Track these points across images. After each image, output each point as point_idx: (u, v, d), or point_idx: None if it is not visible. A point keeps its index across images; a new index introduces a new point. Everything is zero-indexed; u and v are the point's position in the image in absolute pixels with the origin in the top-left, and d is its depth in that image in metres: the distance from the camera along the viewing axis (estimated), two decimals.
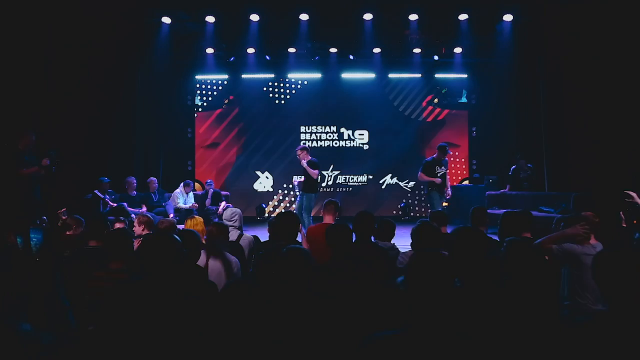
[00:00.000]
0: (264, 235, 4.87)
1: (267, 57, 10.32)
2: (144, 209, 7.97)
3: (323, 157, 10.87)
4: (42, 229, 3.97)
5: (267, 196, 11.04)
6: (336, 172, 11.07)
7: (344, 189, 11.07)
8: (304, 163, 7.26)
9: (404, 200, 10.88)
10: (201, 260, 3.36)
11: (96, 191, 7.77)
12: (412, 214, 10.66)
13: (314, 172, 7.18)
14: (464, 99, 11.04)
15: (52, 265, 2.28)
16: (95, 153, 8.42)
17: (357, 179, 11.10)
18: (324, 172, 10.92)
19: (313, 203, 7.30)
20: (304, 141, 10.98)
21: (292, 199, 10.95)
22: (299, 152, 7.34)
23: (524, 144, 9.71)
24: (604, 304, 2.99)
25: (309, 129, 11.16)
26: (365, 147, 11.06)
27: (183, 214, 8.13)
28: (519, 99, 9.87)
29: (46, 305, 2.07)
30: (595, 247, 3.47)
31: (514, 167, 8.73)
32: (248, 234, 4.61)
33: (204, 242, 4.22)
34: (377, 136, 11.03)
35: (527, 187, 8.70)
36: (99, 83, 8.19)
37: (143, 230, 4.28)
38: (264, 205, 10.76)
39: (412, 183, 11.03)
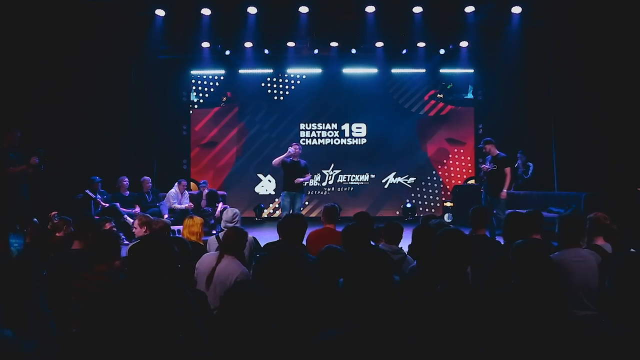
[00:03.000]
0: (263, 236, 4.83)
1: (266, 52, 10.27)
2: (138, 209, 7.92)
3: (323, 155, 10.93)
4: (23, 233, 3.91)
5: (268, 199, 11.02)
6: (337, 171, 11.02)
7: (346, 189, 11.03)
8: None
9: (409, 200, 10.81)
10: (209, 265, 3.29)
11: (87, 191, 7.73)
12: (416, 214, 10.61)
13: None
14: (470, 95, 11.01)
15: (32, 271, 2.23)
16: (86, 151, 8.37)
17: (359, 178, 11.05)
18: (324, 171, 10.91)
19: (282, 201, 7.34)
20: (304, 139, 10.97)
21: None
22: (297, 148, 7.31)
23: (533, 142, 9.68)
24: (590, 309, 2.95)
25: (308, 127, 11.11)
26: (363, 140, 11.01)
27: (178, 215, 8.10)
28: (527, 94, 9.82)
29: (26, 313, 2.02)
30: (604, 247, 3.41)
31: (519, 161, 8.69)
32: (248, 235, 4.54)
33: (201, 243, 4.23)
34: (375, 130, 11.00)
35: (521, 184, 8.65)
36: (90, 78, 8.14)
37: (145, 231, 4.21)
38: (262, 206, 10.70)
39: (412, 179, 10.99)
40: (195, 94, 11.04)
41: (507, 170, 6.83)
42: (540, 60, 9.30)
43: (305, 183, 7.44)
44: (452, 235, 2.27)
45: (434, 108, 11.08)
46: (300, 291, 2.17)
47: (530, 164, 8.69)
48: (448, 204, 10.04)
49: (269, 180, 10.96)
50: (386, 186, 11.02)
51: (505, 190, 6.76)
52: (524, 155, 8.69)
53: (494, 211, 6.75)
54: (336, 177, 11.06)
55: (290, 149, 7.15)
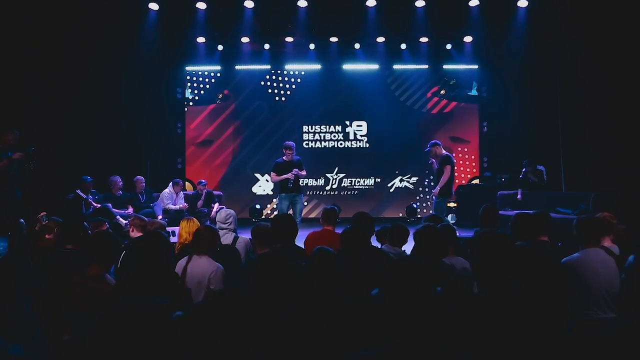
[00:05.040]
0: None
1: (266, 47, 10.26)
2: (130, 210, 7.90)
3: (327, 158, 10.95)
4: (7, 236, 3.91)
5: (266, 200, 11.02)
6: (341, 175, 11.02)
7: (350, 193, 11.04)
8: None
9: (414, 202, 10.81)
10: (180, 265, 3.35)
11: (78, 191, 7.68)
12: (418, 215, 10.61)
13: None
14: (474, 92, 11.00)
15: (16, 275, 2.22)
16: (77, 149, 8.35)
17: (364, 182, 11.05)
18: (328, 175, 10.96)
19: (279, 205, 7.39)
20: (307, 141, 11.03)
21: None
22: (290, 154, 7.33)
23: (539, 139, 9.66)
24: (612, 311, 2.96)
25: (312, 129, 11.11)
26: (366, 143, 11.02)
27: (172, 216, 8.07)
28: (534, 90, 9.80)
29: (11, 318, 2.01)
30: (612, 249, 3.44)
31: (524, 170, 8.66)
32: (243, 236, 4.58)
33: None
34: (376, 129, 11.00)
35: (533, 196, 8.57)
36: (81, 74, 8.12)
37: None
38: (258, 206, 10.69)
39: (414, 178, 10.99)
40: (190, 90, 11.03)
41: (446, 168, 7.17)
42: (547, 55, 9.27)
43: (303, 181, 7.43)
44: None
45: (437, 105, 11.08)
46: (295, 294, 2.15)
47: (542, 168, 8.61)
48: (451, 204, 9.94)
49: (267, 180, 10.95)
50: (392, 190, 11.03)
51: (438, 187, 7.15)
52: (530, 165, 8.60)
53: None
54: (340, 181, 11.05)
55: (290, 175, 7.11)
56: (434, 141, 7.62)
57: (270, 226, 3.86)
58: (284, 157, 7.31)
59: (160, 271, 2.71)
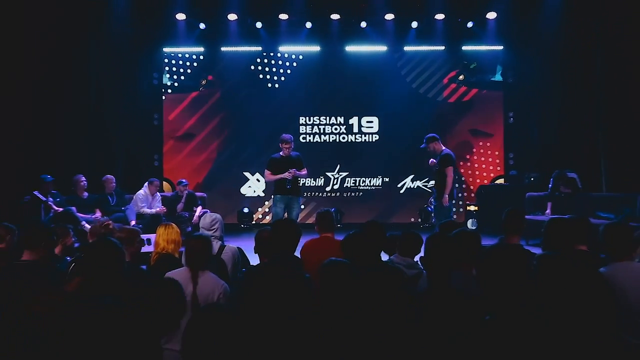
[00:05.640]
0: (250, 247, 4.82)
1: (257, 25, 10.21)
2: (98, 214, 7.86)
3: (327, 154, 10.95)
4: None
5: (257, 202, 11.00)
6: (344, 174, 10.99)
7: (353, 194, 11.02)
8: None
9: (430, 206, 10.74)
10: (184, 286, 3.28)
11: (36, 192, 7.67)
12: (433, 220, 10.54)
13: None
14: (498, 77, 10.96)
15: None
16: (36, 144, 8.31)
17: (370, 181, 11.02)
18: (329, 174, 10.96)
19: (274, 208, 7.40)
20: (304, 135, 11.02)
21: None
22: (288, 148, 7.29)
23: (575, 132, 9.63)
24: None
25: (309, 120, 11.07)
26: (375, 136, 10.99)
27: (148, 221, 8.05)
28: (568, 76, 9.75)
29: None
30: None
31: (552, 179, 8.62)
32: (231, 244, 4.60)
33: (176, 255, 4.20)
34: (383, 119, 10.99)
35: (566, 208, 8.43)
36: (41, 59, 8.08)
37: None
38: (246, 210, 10.63)
39: (432, 182, 10.93)
40: (168, 76, 10.98)
41: (448, 170, 7.01)
42: (586, 33, 9.22)
43: (302, 181, 7.39)
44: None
45: (455, 93, 11.04)
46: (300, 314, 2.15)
47: (574, 175, 8.52)
48: (472, 207, 10.03)
49: (258, 180, 10.88)
50: (402, 191, 11.00)
51: (446, 195, 6.98)
52: (561, 177, 8.49)
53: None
54: (342, 180, 11.01)
55: (287, 174, 7.06)
56: (431, 134, 7.40)
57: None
58: (280, 153, 7.27)
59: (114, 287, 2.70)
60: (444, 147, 7.29)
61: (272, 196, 7.38)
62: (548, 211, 8.45)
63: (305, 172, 7.37)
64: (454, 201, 7.36)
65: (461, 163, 10.95)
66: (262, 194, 10.92)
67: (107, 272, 2.87)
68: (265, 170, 7.33)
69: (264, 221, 10.76)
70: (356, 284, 2.56)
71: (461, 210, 10.75)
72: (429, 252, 3.53)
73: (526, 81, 10.59)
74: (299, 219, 7.43)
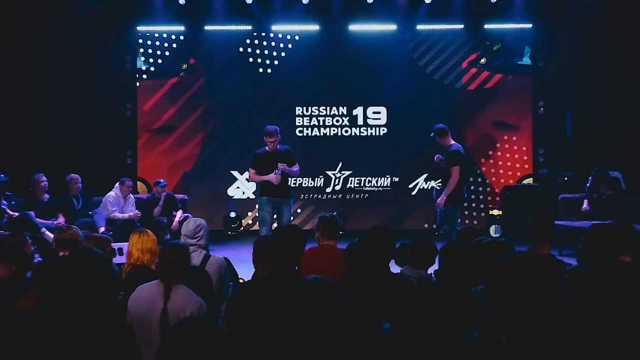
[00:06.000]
0: (238, 257, 4.87)
1: (247, 0, 10.18)
2: (61, 219, 7.89)
3: (328, 150, 10.98)
4: None
5: (245, 205, 11.00)
6: (347, 173, 10.97)
7: (358, 196, 11.02)
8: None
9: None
10: (151, 302, 3.35)
11: None
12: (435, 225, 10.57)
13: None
14: (526, 60, 10.96)
15: None
16: None
17: (377, 181, 11.00)
18: (329, 173, 10.98)
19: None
20: (300, 127, 11.06)
21: None
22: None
23: (616, 124, 9.63)
24: None
25: (307, 111, 11.06)
26: (383, 130, 11.00)
27: (120, 228, 8.09)
28: (609, 59, 9.76)
29: None
30: None
31: (591, 178, 8.68)
32: (216, 254, 4.65)
33: (152, 267, 4.19)
34: (396, 114, 11.00)
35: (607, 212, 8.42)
36: None
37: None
38: (233, 214, 10.62)
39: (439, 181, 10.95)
40: (143, 59, 10.97)
41: (454, 169, 7.08)
42: (632, 7, 9.20)
43: (293, 180, 7.39)
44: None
45: (476, 79, 11.04)
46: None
47: (618, 174, 8.53)
48: (495, 211, 10.10)
49: (247, 179, 10.83)
50: (414, 192, 10.99)
51: (444, 197, 7.08)
52: (601, 175, 8.47)
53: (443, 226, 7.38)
54: (345, 180, 10.99)
55: (272, 175, 7.09)
56: (440, 125, 7.48)
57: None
58: (265, 147, 7.29)
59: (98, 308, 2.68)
60: (452, 142, 7.34)
61: (258, 198, 7.42)
62: (585, 206, 8.51)
63: (297, 168, 7.40)
64: (460, 205, 7.43)
65: (482, 160, 10.99)
66: (252, 196, 10.89)
67: (95, 293, 2.81)
68: (250, 168, 7.36)
69: (254, 227, 10.72)
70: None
71: (482, 214, 10.78)
72: (444, 265, 3.56)
73: (559, 65, 10.59)
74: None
